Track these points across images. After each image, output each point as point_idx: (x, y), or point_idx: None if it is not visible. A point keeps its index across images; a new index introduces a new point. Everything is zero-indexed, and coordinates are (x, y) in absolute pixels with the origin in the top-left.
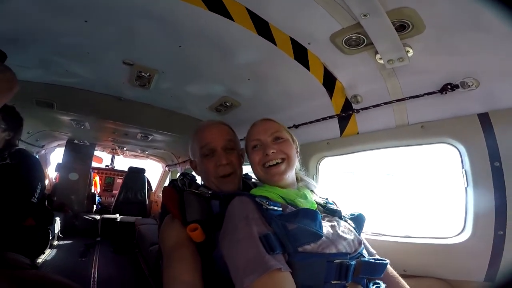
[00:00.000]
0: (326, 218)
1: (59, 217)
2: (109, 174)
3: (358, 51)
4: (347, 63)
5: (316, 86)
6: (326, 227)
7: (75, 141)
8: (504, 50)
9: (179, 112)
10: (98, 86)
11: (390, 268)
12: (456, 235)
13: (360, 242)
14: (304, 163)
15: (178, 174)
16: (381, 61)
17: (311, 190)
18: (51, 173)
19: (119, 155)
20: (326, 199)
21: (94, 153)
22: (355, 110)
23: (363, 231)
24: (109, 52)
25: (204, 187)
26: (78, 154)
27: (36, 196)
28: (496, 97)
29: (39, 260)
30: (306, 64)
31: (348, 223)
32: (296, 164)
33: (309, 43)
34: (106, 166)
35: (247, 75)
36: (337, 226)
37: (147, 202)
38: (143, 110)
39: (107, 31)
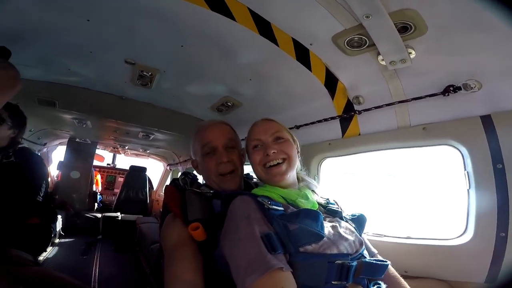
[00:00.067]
0: (327, 219)
1: (60, 215)
2: (110, 172)
3: (360, 52)
4: (349, 64)
5: (318, 87)
6: (327, 227)
7: (77, 140)
8: (507, 52)
9: (180, 111)
10: (100, 85)
11: (391, 269)
12: (458, 237)
13: (361, 243)
14: (306, 164)
15: (180, 173)
16: (383, 63)
17: (312, 191)
18: (53, 171)
19: (120, 153)
20: (327, 199)
21: (96, 152)
22: (357, 111)
23: (364, 231)
24: (111, 51)
25: (206, 187)
26: (80, 153)
27: (41, 195)
28: (499, 99)
29: (41, 258)
30: (308, 65)
31: (349, 224)
32: (297, 164)
33: (311, 44)
34: (108, 164)
35: (249, 75)
36: (338, 226)
37: (148, 201)
38: (145, 109)
39: (109, 30)
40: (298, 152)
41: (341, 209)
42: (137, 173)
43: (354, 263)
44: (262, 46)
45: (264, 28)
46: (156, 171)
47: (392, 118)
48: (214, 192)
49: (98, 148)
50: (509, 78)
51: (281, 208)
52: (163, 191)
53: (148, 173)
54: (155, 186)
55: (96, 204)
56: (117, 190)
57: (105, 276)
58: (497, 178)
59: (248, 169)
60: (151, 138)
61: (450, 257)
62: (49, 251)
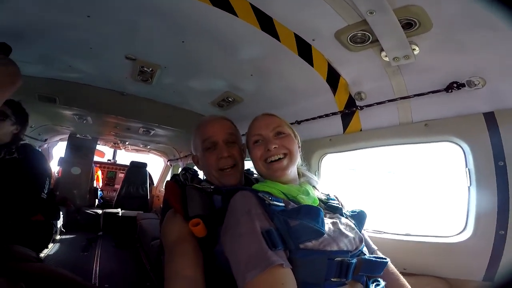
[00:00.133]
0: (328, 215)
1: (61, 211)
2: (111, 168)
3: (363, 48)
4: (352, 60)
5: (320, 83)
6: (327, 224)
7: (78, 135)
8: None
9: (181, 107)
10: (101, 81)
11: (390, 266)
12: (457, 234)
13: (361, 240)
14: (306, 160)
15: (180, 169)
16: (386, 59)
17: (313, 186)
18: (54, 167)
19: (121, 149)
20: (328, 195)
21: (96, 147)
22: (358, 107)
23: (364, 228)
24: (112, 47)
25: (206, 182)
26: (81, 148)
27: (45, 192)
28: (503, 96)
29: (42, 255)
30: (310, 60)
31: (349, 220)
32: (298, 159)
33: (313, 40)
34: (108, 160)
35: (250, 70)
36: (338, 223)
37: (148, 197)
38: (145, 105)
39: (110, 26)
40: (299, 147)
41: (341, 205)
42: (138, 168)
43: (354, 260)
44: (264, 41)
45: (266, 23)
46: (156, 166)
47: (394, 114)
48: (214, 188)
49: (99, 144)
50: None
51: (282, 204)
52: (164, 187)
53: (148, 169)
54: (155, 181)
55: (96, 200)
56: (117, 186)
57: (105, 272)
58: (499, 175)
59: (248, 164)
60: (151, 133)
61: (449, 254)
62: (51, 248)
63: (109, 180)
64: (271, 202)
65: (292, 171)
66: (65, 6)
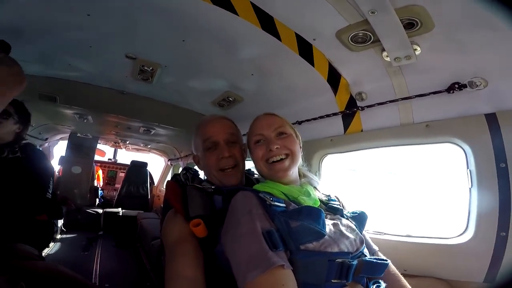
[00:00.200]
0: (329, 216)
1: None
2: (111, 167)
3: (364, 48)
4: (353, 60)
5: (321, 83)
6: (328, 225)
7: (78, 135)
8: None
9: (181, 106)
10: (101, 80)
11: (391, 267)
12: (458, 236)
13: (361, 241)
14: (307, 160)
15: (181, 169)
16: (388, 59)
17: (314, 187)
18: (54, 167)
19: (121, 148)
20: (329, 195)
21: (97, 146)
22: (359, 108)
23: (364, 229)
24: (112, 46)
25: (207, 182)
26: (81, 147)
27: (50, 192)
28: (504, 97)
29: (43, 254)
30: (310, 60)
31: (350, 221)
32: (300, 160)
33: (314, 39)
34: (109, 159)
35: (251, 70)
36: (339, 224)
37: (149, 196)
38: (146, 104)
39: (110, 25)
40: (300, 147)
41: (342, 205)
42: (138, 168)
43: (355, 262)
44: (265, 41)
45: (267, 22)
46: (157, 166)
47: (395, 114)
48: (215, 188)
49: (99, 143)
50: None
51: (283, 205)
52: (164, 187)
53: (149, 168)
54: (156, 181)
55: (97, 200)
56: (118, 185)
57: (106, 271)
58: (500, 177)
59: (249, 164)
60: (152, 133)
61: (450, 256)
62: (51, 247)
63: (109, 180)
64: (272, 203)
65: (294, 172)
66: (65, 4)
